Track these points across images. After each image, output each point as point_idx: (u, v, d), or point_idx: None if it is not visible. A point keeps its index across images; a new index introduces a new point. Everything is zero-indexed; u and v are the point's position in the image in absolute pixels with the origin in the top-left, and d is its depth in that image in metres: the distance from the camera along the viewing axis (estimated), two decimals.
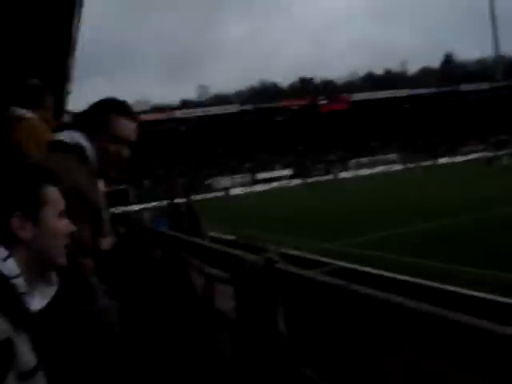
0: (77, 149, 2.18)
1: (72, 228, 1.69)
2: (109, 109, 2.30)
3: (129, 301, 5.22)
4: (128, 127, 2.31)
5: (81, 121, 2.31)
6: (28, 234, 1.53)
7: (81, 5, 17.60)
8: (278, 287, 1.57)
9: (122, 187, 61.56)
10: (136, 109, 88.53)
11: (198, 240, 2.61)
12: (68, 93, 33.04)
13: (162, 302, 3.50)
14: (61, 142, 2.22)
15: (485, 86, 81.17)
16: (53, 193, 1.64)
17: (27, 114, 3.64)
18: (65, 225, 1.65)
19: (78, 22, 20.11)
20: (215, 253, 2.17)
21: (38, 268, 1.57)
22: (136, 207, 46.85)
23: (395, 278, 10.37)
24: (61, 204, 1.65)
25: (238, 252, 1.89)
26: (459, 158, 73.66)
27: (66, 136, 2.23)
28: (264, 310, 1.67)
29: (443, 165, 69.60)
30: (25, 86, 3.97)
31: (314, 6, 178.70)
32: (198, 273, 2.59)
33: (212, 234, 15.71)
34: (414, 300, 1.07)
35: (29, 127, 3.54)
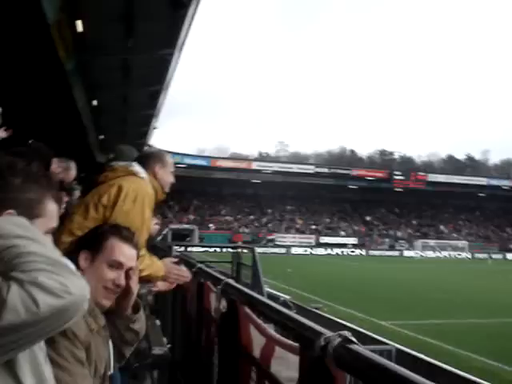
0: None
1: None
2: (109, 232, 2.28)
3: (180, 345, 5.21)
4: (126, 254, 2.27)
5: (81, 241, 2.28)
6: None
7: (180, 49, 18.23)
8: (350, 369, 1.52)
9: (188, 227, 62.49)
10: (215, 154, 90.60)
11: (266, 300, 2.58)
12: (154, 128, 33.97)
13: (213, 352, 3.48)
14: None
15: None
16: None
17: None
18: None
19: (176, 63, 20.80)
20: (285, 317, 2.13)
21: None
22: (199, 249, 47.13)
23: (436, 365, 10.13)
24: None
25: (310, 323, 1.85)
26: None
27: None
28: None
29: None
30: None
31: (396, 83, 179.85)
32: (260, 333, 2.55)
33: (267, 289, 15.70)
34: None
35: None
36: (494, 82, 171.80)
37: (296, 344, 1.95)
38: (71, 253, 2.09)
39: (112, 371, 2.20)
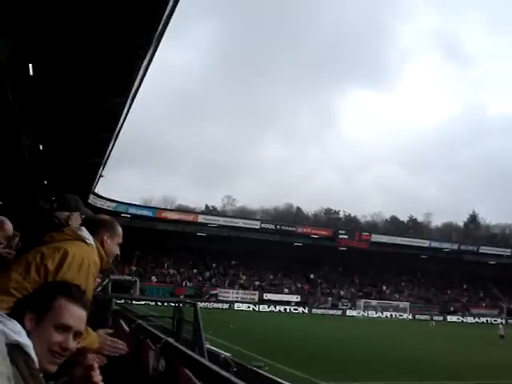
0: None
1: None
2: (57, 292, 2.12)
3: None
4: (75, 315, 2.11)
5: (27, 301, 2.12)
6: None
7: (132, 99, 18.30)
8: None
9: (129, 278, 61.35)
10: (161, 205, 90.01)
11: (205, 361, 2.50)
12: (101, 176, 33.70)
13: None
14: None
15: (507, 252, 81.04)
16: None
17: None
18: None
19: (126, 113, 20.83)
20: (221, 379, 2.06)
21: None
22: (139, 302, 46.19)
23: None
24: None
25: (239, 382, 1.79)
26: (469, 319, 72.58)
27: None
28: None
29: (452, 322, 68.61)
30: None
31: (348, 145, 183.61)
32: None
33: (208, 346, 15.38)
34: None
35: None
36: (437, 146, 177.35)
37: None
38: (15, 313, 1.97)
39: None
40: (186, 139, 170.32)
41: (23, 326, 1.92)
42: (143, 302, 45.48)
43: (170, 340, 2.97)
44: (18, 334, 1.85)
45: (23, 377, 1.78)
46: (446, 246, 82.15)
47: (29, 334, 1.92)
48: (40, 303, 2.04)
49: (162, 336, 3.10)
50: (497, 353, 30.24)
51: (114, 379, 5.60)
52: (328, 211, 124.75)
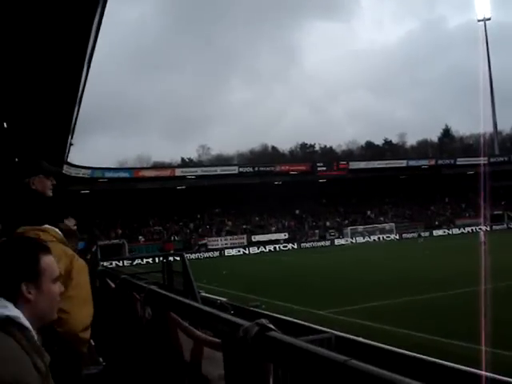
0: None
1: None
2: (38, 253, 2.10)
3: (115, 360, 5.08)
4: (55, 262, 2.15)
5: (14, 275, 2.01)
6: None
7: (90, 59, 17.85)
8: (271, 357, 1.49)
9: (117, 241, 61.43)
10: (137, 165, 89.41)
11: (188, 301, 2.52)
12: (71, 144, 33.19)
13: (147, 363, 3.38)
14: None
15: (484, 160, 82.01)
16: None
17: None
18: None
19: (86, 76, 20.37)
20: (206, 315, 2.08)
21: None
22: (130, 262, 46.46)
23: (382, 348, 10.30)
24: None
25: (229, 317, 1.80)
26: (455, 231, 74.13)
27: None
28: (254, 380, 1.58)
29: (439, 236, 70.05)
30: None
31: (313, 78, 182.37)
32: (187, 335, 2.48)
33: (203, 294, 15.59)
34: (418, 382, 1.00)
35: None
36: (401, 65, 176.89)
37: (218, 340, 1.90)
38: (5, 289, 1.96)
39: None
40: (153, 96, 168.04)
41: (19, 299, 1.95)
42: (135, 263, 45.75)
43: (153, 287, 2.98)
44: (5, 308, 1.86)
45: (23, 347, 1.81)
46: (424, 162, 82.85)
47: (32, 304, 1.97)
48: (30, 271, 2.04)
49: (145, 285, 3.12)
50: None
51: (109, 334, 5.67)
52: (303, 146, 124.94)
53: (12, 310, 1.88)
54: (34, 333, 1.93)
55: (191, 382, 2.64)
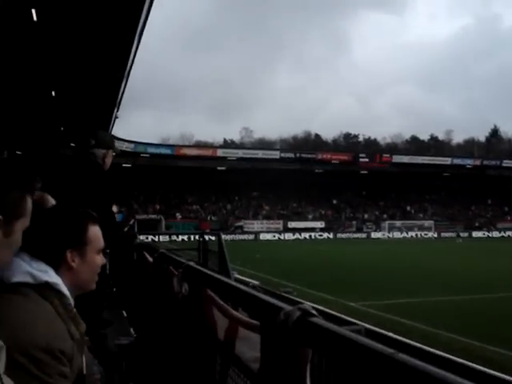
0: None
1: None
2: (87, 222, 2.12)
3: (147, 332, 5.12)
4: (101, 234, 2.18)
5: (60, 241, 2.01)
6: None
7: (141, 33, 18.01)
8: (312, 343, 1.45)
9: (154, 216, 62.09)
10: (179, 142, 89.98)
11: (228, 280, 2.50)
12: (116, 117, 33.65)
13: (179, 338, 3.39)
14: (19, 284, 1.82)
15: None
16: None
17: None
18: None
19: (135, 51, 20.59)
20: (245, 296, 2.05)
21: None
22: (166, 238, 46.90)
23: (411, 345, 10.21)
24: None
25: (270, 299, 1.78)
26: (495, 234, 72.81)
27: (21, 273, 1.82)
28: (291, 365, 1.56)
29: (478, 238, 68.83)
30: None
31: (362, 68, 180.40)
32: (223, 314, 2.47)
33: (236, 275, 15.66)
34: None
35: None
36: (452, 62, 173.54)
37: (256, 322, 1.88)
38: (49, 255, 1.95)
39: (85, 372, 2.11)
40: (200, 75, 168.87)
41: (62, 265, 1.97)
42: (169, 239, 46.15)
43: (192, 263, 2.98)
44: (45, 273, 1.87)
45: (59, 313, 1.82)
46: (469, 162, 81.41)
47: (74, 271, 2.00)
48: (77, 239, 2.05)
49: (184, 261, 3.11)
50: None
51: (142, 306, 5.73)
52: (347, 136, 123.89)
53: (52, 276, 1.89)
54: (71, 300, 1.94)
55: (223, 360, 2.63)
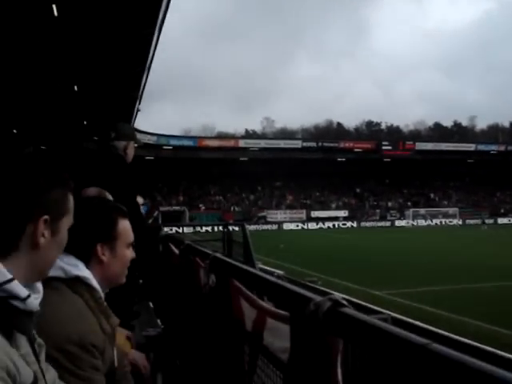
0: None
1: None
2: (117, 216, 2.15)
3: (175, 324, 5.16)
4: (130, 228, 2.21)
5: (89, 236, 2.03)
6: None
7: (160, 29, 18.11)
8: (343, 334, 1.45)
9: (178, 208, 62.40)
10: (201, 134, 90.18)
11: (255, 271, 2.51)
12: (138, 110, 33.87)
13: (206, 329, 3.41)
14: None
15: None
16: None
17: None
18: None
19: (156, 44, 20.63)
20: (273, 286, 2.05)
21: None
22: (190, 229, 47.14)
23: (438, 334, 10.16)
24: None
25: (299, 289, 1.77)
26: None
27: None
28: (322, 356, 1.55)
29: (504, 224, 68.00)
30: None
31: (382, 55, 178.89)
32: (250, 305, 2.47)
33: (260, 265, 15.68)
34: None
35: None
36: (475, 47, 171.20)
37: (286, 313, 1.88)
38: (80, 249, 1.97)
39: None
40: (220, 66, 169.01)
41: (92, 259, 2.00)
42: (193, 230, 46.36)
43: (218, 255, 2.98)
44: (76, 267, 1.89)
45: (90, 307, 1.84)
46: (493, 148, 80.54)
47: (104, 265, 2.03)
48: (107, 233, 2.08)
49: (210, 252, 3.12)
50: None
51: (170, 298, 5.76)
52: (369, 124, 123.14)
53: (82, 270, 1.90)
54: (102, 294, 1.96)
55: (251, 350, 2.63)
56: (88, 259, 1.97)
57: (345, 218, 68.86)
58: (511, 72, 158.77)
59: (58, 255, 1.57)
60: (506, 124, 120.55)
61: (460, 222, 69.54)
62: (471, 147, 79.22)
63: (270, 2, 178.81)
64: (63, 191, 1.50)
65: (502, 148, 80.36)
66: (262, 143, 73.73)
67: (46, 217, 1.39)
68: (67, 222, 1.52)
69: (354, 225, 66.94)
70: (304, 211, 69.48)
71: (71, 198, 1.55)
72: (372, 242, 41.61)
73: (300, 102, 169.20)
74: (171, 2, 18.84)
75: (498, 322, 12.77)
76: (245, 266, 2.59)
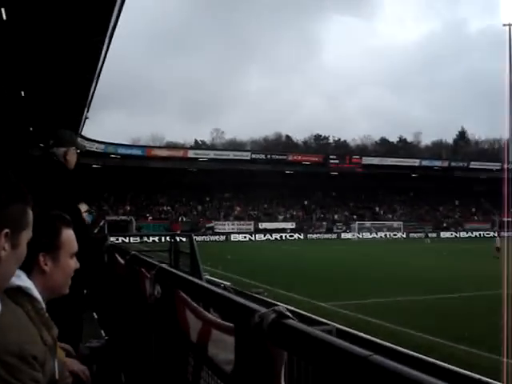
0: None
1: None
2: (61, 225, 2.13)
3: (119, 335, 5.08)
4: (74, 238, 2.18)
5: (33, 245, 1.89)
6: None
7: (111, 37, 17.89)
8: (287, 346, 1.46)
9: (125, 218, 61.61)
10: (150, 143, 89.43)
11: (201, 282, 2.50)
12: (86, 118, 33.38)
13: (151, 340, 3.37)
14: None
15: (496, 166, 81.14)
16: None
17: None
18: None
19: (106, 52, 20.42)
20: (219, 298, 2.05)
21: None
22: (137, 239, 46.61)
23: (382, 345, 10.30)
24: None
25: (244, 301, 1.78)
26: (462, 234, 74.02)
27: None
28: (266, 369, 1.56)
29: (446, 238, 69.78)
30: None
31: (332, 71, 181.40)
32: (196, 316, 2.46)
33: (207, 276, 15.61)
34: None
35: None
36: (420, 65, 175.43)
37: (231, 324, 1.88)
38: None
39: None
40: (171, 77, 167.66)
41: (34, 269, 1.97)
42: (140, 240, 45.87)
43: (164, 265, 2.96)
44: (17, 277, 1.84)
45: (31, 318, 1.79)
46: (437, 163, 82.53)
47: (46, 275, 1.99)
48: (49, 242, 2.04)
49: (156, 263, 3.10)
50: (494, 264, 30.75)
51: (114, 309, 5.68)
52: (317, 137, 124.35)
53: (24, 281, 1.86)
54: (43, 304, 1.92)
55: (196, 362, 2.62)
56: (30, 269, 1.92)
57: (292, 230, 69.33)
58: (455, 90, 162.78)
59: (16, 268, 1.55)
60: (450, 141, 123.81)
61: (404, 236, 70.94)
62: (416, 162, 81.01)
63: (223, 15, 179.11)
64: (23, 205, 1.50)
65: (446, 164, 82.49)
66: (211, 154, 73.67)
67: (6, 230, 1.40)
68: (26, 235, 1.53)
69: (301, 237, 67.53)
70: (252, 223, 69.63)
71: (30, 212, 1.55)
72: (318, 254, 42.00)
73: (250, 114, 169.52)
74: (123, 10, 18.72)
75: (439, 334, 13.05)
76: (190, 277, 2.58)
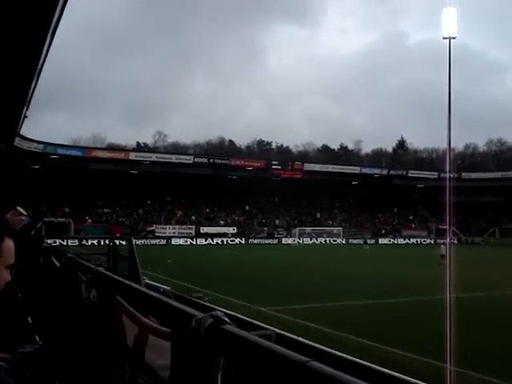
0: None
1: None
2: (4, 234, 2.06)
3: (54, 340, 4.94)
4: (14, 251, 2.10)
5: None
6: None
7: (53, 32, 17.43)
8: (224, 351, 1.43)
9: (63, 220, 60.30)
10: (91, 144, 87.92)
11: (138, 286, 2.45)
12: (25, 117, 32.50)
13: (87, 345, 3.29)
14: None
15: (434, 175, 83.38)
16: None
17: None
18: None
19: (47, 50, 19.88)
20: (156, 303, 2.01)
21: None
22: (74, 242, 45.61)
23: (321, 350, 10.39)
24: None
25: (181, 306, 1.74)
26: (400, 240, 75.79)
27: None
28: (202, 374, 1.53)
29: (384, 244, 71.30)
30: None
31: (275, 78, 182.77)
32: (132, 321, 2.41)
33: (147, 281, 15.43)
34: None
35: None
36: (361, 75, 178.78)
37: (167, 329, 1.84)
38: None
39: None
40: (114, 78, 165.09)
41: None
42: (79, 243, 44.93)
43: (101, 269, 2.89)
44: None
45: None
46: (376, 171, 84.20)
47: None
48: None
49: (93, 266, 3.02)
50: (438, 270, 31.43)
51: (49, 313, 5.53)
52: (260, 143, 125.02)
53: None
54: None
55: (132, 368, 2.57)
56: None
57: (233, 235, 69.41)
58: (395, 100, 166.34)
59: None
60: (389, 149, 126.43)
61: (343, 242, 72.03)
62: (356, 170, 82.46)
63: (168, 18, 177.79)
64: None
65: (385, 172, 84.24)
66: (153, 157, 72.93)
67: None
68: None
69: (243, 241, 67.68)
70: (193, 227, 69.30)
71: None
72: (259, 258, 42.17)
73: (193, 118, 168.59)
74: (66, 8, 18.31)
75: (376, 338, 13.27)
76: (127, 281, 2.53)
